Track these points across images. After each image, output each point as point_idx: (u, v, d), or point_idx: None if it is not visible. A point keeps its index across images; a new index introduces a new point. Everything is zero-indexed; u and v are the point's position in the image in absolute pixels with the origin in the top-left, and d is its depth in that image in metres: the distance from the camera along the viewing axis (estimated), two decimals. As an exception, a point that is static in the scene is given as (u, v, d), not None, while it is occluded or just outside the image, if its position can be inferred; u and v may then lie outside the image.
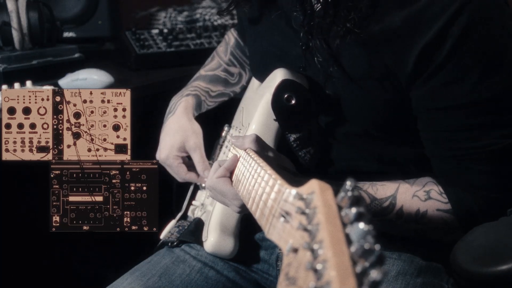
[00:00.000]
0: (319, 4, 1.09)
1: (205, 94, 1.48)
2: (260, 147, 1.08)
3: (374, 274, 0.44)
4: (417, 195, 1.10)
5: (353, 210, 0.51)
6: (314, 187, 0.59)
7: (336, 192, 0.59)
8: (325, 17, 1.07)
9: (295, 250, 0.55)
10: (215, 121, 1.49)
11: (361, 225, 0.48)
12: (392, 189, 1.11)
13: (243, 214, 1.15)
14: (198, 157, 1.35)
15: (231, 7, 1.29)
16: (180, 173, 1.37)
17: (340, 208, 0.54)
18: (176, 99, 1.46)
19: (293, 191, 0.65)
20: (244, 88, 1.54)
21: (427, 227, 1.11)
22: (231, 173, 1.10)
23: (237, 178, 1.04)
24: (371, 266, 0.45)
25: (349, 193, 0.53)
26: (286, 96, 1.14)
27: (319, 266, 0.47)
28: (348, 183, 0.55)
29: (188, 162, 1.38)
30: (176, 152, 1.36)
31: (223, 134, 1.47)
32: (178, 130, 1.38)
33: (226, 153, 1.39)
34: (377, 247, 0.46)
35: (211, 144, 1.48)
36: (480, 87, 1.01)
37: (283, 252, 0.59)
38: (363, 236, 0.47)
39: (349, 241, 0.48)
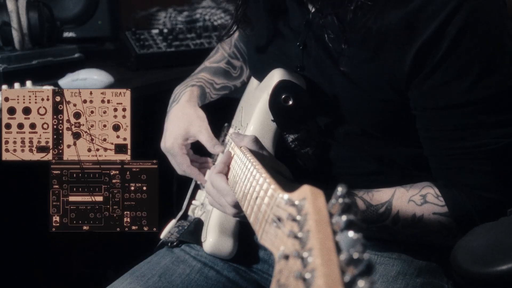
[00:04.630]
0: None
1: (209, 86, 1.47)
2: (258, 150, 1.08)
3: (362, 284, 0.44)
4: (413, 200, 1.10)
5: (343, 217, 0.50)
6: (306, 193, 0.59)
7: (328, 198, 0.58)
8: (330, 6, 1.07)
9: (286, 257, 0.55)
10: (214, 120, 1.49)
11: (351, 233, 0.48)
12: (388, 195, 1.11)
13: (238, 218, 1.13)
14: (206, 137, 1.31)
15: (231, 31, 1.29)
16: (182, 164, 1.33)
17: (331, 215, 0.54)
18: (180, 89, 1.45)
19: (285, 196, 0.64)
20: (244, 84, 1.54)
21: (425, 231, 1.10)
22: (228, 168, 1.10)
23: (234, 180, 1.03)
24: (359, 275, 0.44)
25: (340, 200, 0.53)
26: (283, 97, 1.13)
27: (308, 275, 0.47)
28: (340, 189, 0.55)
29: (192, 156, 1.36)
30: (181, 140, 1.33)
31: (223, 133, 1.47)
32: (182, 117, 1.36)
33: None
34: (366, 256, 0.46)
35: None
36: (477, 86, 1.01)
37: (275, 258, 0.59)
38: (352, 245, 0.47)
39: (338, 249, 0.48)
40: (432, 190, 1.10)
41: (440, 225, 1.09)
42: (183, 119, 1.35)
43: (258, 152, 1.07)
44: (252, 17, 1.33)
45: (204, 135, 1.31)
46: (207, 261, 1.27)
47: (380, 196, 1.11)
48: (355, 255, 0.46)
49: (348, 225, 0.49)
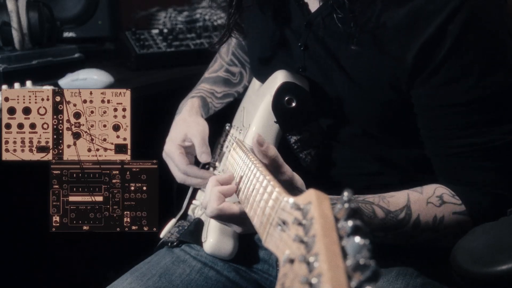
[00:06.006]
0: None
1: (210, 95, 1.48)
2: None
3: (369, 290, 0.44)
4: (431, 202, 1.08)
5: (350, 223, 0.50)
6: (312, 197, 0.59)
7: (334, 203, 0.58)
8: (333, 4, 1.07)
9: (291, 261, 0.55)
10: (215, 120, 1.49)
11: (357, 239, 0.48)
12: (403, 199, 1.08)
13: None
14: (198, 141, 1.30)
15: (223, 40, 1.30)
16: (181, 163, 1.31)
17: (337, 219, 0.54)
18: (183, 102, 1.46)
19: (291, 200, 0.64)
20: (246, 88, 1.54)
21: (444, 234, 1.09)
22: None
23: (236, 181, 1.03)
24: (365, 281, 0.45)
25: (346, 205, 0.53)
26: (286, 98, 1.14)
27: (314, 280, 0.47)
28: (346, 194, 0.55)
29: (191, 159, 1.36)
30: (179, 141, 1.32)
31: (224, 133, 1.47)
32: (182, 124, 1.37)
33: (227, 154, 1.38)
34: (373, 262, 0.46)
35: (212, 143, 1.48)
36: (481, 84, 1.02)
37: (280, 262, 0.59)
38: (359, 251, 0.47)
39: (344, 255, 0.48)
40: (445, 190, 1.09)
41: (459, 224, 1.08)
42: (183, 125, 1.36)
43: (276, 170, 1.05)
44: (252, 25, 1.33)
45: (197, 139, 1.30)
46: (207, 261, 1.27)
47: (396, 201, 1.08)
48: (362, 261, 0.46)
49: (355, 231, 0.50)
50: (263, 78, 1.31)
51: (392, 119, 1.13)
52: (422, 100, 1.07)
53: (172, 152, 1.33)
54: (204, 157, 1.29)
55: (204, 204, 1.04)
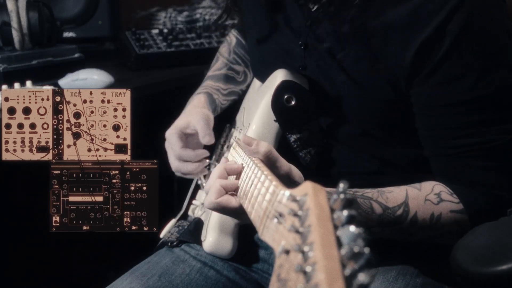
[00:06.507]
0: None
1: (216, 92, 1.48)
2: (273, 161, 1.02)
3: (362, 277, 0.44)
4: (429, 199, 1.08)
5: (345, 213, 0.51)
6: (308, 189, 0.59)
7: (329, 196, 0.58)
8: (331, 4, 1.07)
9: (287, 252, 0.55)
10: (216, 120, 1.49)
11: (352, 228, 0.48)
12: (401, 196, 1.08)
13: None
14: (201, 125, 1.29)
15: (221, 20, 1.30)
16: (176, 146, 1.30)
17: (332, 210, 0.54)
18: (190, 100, 1.46)
19: (287, 192, 0.65)
20: (249, 87, 1.54)
21: (441, 232, 1.09)
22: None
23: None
24: (360, 269, 0.45)
25: (342, 196, 0.53)
26: (286, 97, 1.14)
27: (308, 268, 0.47)
28: (341, 186, 0.55)
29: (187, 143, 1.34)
30: (181, 128, 1.32)
31: (224, 133, 1.47)
32: (187, 114, 1.36)
33: (227, 153, 1.39)
34: (367, 250, 0.46)
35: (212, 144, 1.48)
36: (480, 84, 1.02)
37: (276, 253, 0.60)
38: (354, 239, 0.47)
39: (339, 244, 0.48)
40: (444, 188, 1.09)
41: (456, 223, 1.08)
42: (187, 114, 1.36)
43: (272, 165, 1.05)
44: (249, 11, 1.33)
45: (200, 123, 1.30)
46: (207, 261, 1.27)
47: (394, 197, 1.08)
48: (356, 249, 0.46)
49: (349, 220, 0.50)
50: (263, 78, 1.31)
51: (392, 119, 1.13)
52: (421, 99, 1.07)
53: (170, 135, 1.32)
54: (207, 139, 1.28)
55: (206, 191, 1.03)
